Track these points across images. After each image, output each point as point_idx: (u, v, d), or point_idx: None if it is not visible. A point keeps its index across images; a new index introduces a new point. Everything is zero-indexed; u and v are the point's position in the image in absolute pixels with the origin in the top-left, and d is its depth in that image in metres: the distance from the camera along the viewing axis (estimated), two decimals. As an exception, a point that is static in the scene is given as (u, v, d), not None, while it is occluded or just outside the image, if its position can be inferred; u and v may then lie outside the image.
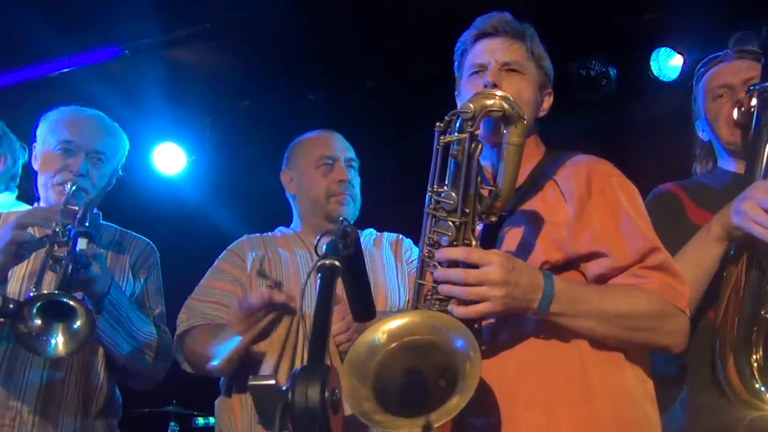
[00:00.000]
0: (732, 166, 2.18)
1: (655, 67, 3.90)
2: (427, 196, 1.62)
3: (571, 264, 1.70)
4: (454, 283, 1.52)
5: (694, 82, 2.28)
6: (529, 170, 1.80)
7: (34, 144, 2.40)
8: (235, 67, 4.37)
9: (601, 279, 1.68)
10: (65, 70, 4.22)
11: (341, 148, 2.51)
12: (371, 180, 2.62)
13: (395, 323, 1.49)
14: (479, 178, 1.57)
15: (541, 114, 1.91)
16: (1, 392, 2.09)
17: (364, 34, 3.91)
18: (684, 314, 1.66)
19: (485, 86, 1.74)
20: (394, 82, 4.36)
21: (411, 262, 2.42)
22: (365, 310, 1.51)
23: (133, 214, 2.76)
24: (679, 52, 3.85)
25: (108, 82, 4.10)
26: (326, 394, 1.04)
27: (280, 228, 2.56)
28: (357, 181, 2.51)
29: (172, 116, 4.62)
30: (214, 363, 2.11)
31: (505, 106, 1.53)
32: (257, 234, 2.50)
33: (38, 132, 2.40)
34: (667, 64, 3.90)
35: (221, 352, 2.08)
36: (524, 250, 1.70)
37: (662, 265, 1.67)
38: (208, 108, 4.73)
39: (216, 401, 2.34)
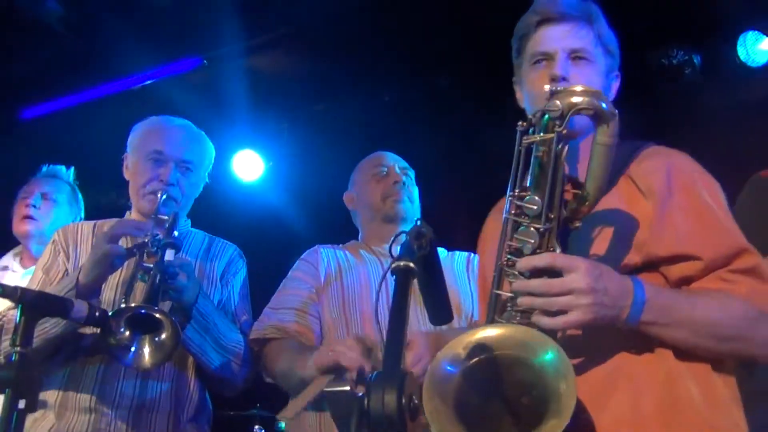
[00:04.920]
0: None
1: (742, 52, 3.73)
2: (507, 201, 1.54)
3: (650, 266, 1.59)
4: (537, 294, 1.44)
5: None
6: None
7: (126, 154, 2.47)
8: (310, 72, 4.41)
9: (684, 282, 1.58)
10: (148, 81, 4.38)
11: (394, 158, 2.64)
12: (447, 178, 2.60)
13: (477, 337, 1.41)
14: (564, 181, 1.49)
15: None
16: (98, 399, 2.16)
17: (437, 32, 3.89)
18: None
19: (554, 79, 1.63)
20: (469, 79, 4.31)
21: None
22: (442, 313, 1.48)
23: (214, 220, 2.81)
24: (768, 35, 3.68)
25: (188, 91, 4.23)
26: (403, 401, 1.02)
27: (351, 241, 2.63)
28: (415, 189, 2.60)
29: (250, 123, 4.71)
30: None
31: (597, 103, 1.44)
32: (328, 245, 2.58)
33: (129, 142, 2.48)
34: (756, 48, 3.72)
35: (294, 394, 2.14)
36: (599, 252, 1.60)
37: (753, 269, 1.55)
38: (285, 113, 4.79)
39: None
